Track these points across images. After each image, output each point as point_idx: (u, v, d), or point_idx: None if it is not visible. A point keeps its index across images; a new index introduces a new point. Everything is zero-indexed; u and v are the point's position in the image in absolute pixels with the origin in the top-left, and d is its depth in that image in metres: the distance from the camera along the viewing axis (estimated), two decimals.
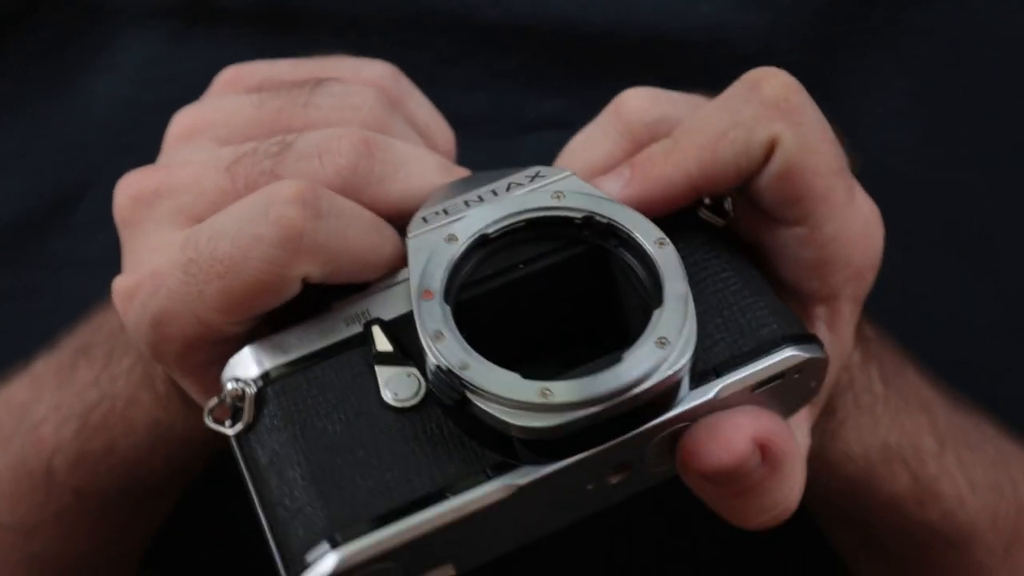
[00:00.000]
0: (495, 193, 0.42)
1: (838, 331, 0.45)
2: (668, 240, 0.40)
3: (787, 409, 0.42)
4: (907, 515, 0.53)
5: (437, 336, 0.39)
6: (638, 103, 0.44)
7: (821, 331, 0.44)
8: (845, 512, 0.54)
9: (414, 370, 0.40)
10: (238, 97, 0.46)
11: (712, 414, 0.40)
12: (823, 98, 0.59)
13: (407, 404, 0.40)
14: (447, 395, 0.39)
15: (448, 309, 0.39)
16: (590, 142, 0.45)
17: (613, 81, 0.57)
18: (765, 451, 0.40)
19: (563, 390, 0.38)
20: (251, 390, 0.40)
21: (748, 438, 0.39)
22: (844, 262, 0.43)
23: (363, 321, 0.41)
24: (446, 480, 0.38)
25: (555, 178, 0.42)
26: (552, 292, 0.42)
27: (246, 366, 0.41)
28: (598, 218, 0.41)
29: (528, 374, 0.38)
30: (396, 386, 0.40)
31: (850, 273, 0.44)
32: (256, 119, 0.44)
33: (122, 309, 0.43)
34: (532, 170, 0.43)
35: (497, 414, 0.38)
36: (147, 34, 0.59)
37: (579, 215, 0.41)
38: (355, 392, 0.40)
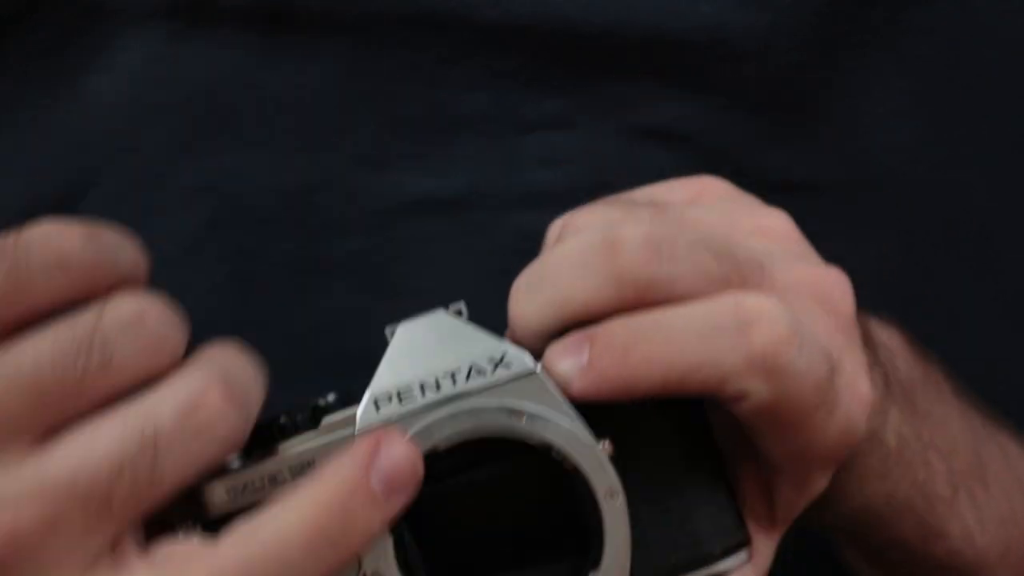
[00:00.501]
0: (454, 382, 0.40)
1: (805, 490, 0.45)
2: (620, 491, 0.40)
3: None
4: (912, 551, 0.52)
5: (374, 572, 0.39)
6: (635, 254, 0.42)
7: (786, 493, 0.45)
8: (850, 542, 0.54)
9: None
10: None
11: None
12: (823, 98, 0.59)
13: None
14: None
15: (391, 542, 0.39)
16: (577, 276, 0.42)
17: (613, 81, 0.57)
18: None
19: None
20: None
21: None
22: (815, 460, 0.44)
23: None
24: None
25: (518, 373, 0.41)
26: (503, 499, 0.42)
27: (199, 506, 0.40)
28: (555, 454, 0.41)
29: None
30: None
31: (822, 465, 0.44)
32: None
33: None
34: (497, 349, 0.41)
35: None
36: (147, 34, 0.59)
37: (535, 441, 0.41)
38: None
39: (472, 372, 0.41)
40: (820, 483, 0.46)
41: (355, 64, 0.57)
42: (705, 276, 0.42)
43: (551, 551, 0.41)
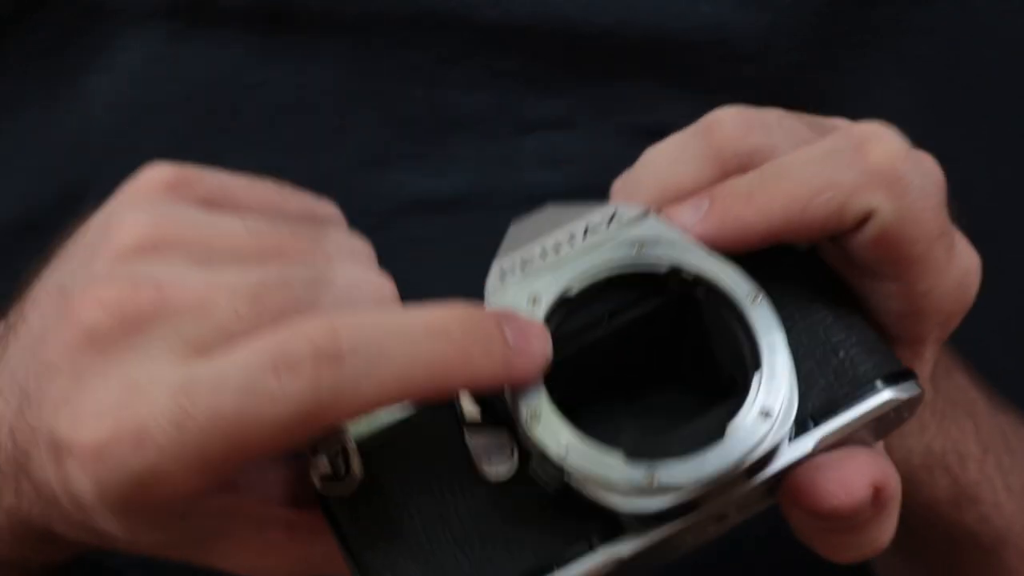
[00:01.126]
0: (572, 240, 0.40)
1: (919, 370, 0.43)
2: (762, 293, 0.40)
3: (878, 435, 0.42)
4: (943, 517, 0.52)
5: (534, 416, 0.38)
6: (733, 130, 0.42)
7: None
8: None
9: (506, 437, 0.39)
10: (215, 216, 0.40)
11: (827, 453, 0.40)
12: (823, 98, 0.59)
13: (503, 476, 0.39)
14: (548, 481, 0.38)
15: (540, 382, 0.38)
16: (677, 161, 0.42)
17: (613, 81, 0.57)
18: (878, 494, 0.40)
19: (670, 474, 0.37)
20: (356, 461, 0.38)
21: (868, 483, 0.39)
22: (934, 314, 0.42)
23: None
24: (550, 555, 0.38)
25: (633, 216, 0.41)
26: (639, 343, 0.41)
27: (338, 439, 0.38)
28: (684, 272, 0.40)
29: (632, 454, 0.37)
30: (490, 458, 0.39)
31: (938, 322, 0.43)
32: (253, 247, 0.39)
33: (83, 467, 0.36)
34: (608, 209, 0.41)
35: (604, 498, 0.37)
36: (147, 34, 0.59)
37: (663, 268, 0.40)
38: (449, 463, 0.39)
39: (588, 231, 0.40)
40: (929, 364, 0.44)
41: (355, 64, 0.57)
42: (803, 140, 0.42)
43: (687, 398, 0.41)
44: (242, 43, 0.58)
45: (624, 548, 0.38)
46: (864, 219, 0.40)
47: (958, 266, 0.42)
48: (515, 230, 0.41)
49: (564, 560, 0.38)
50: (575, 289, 0.40)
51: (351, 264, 0.40)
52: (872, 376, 0.40)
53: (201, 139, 0.58)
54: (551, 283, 0.39)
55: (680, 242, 0.40)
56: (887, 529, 0.41)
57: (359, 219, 0.58)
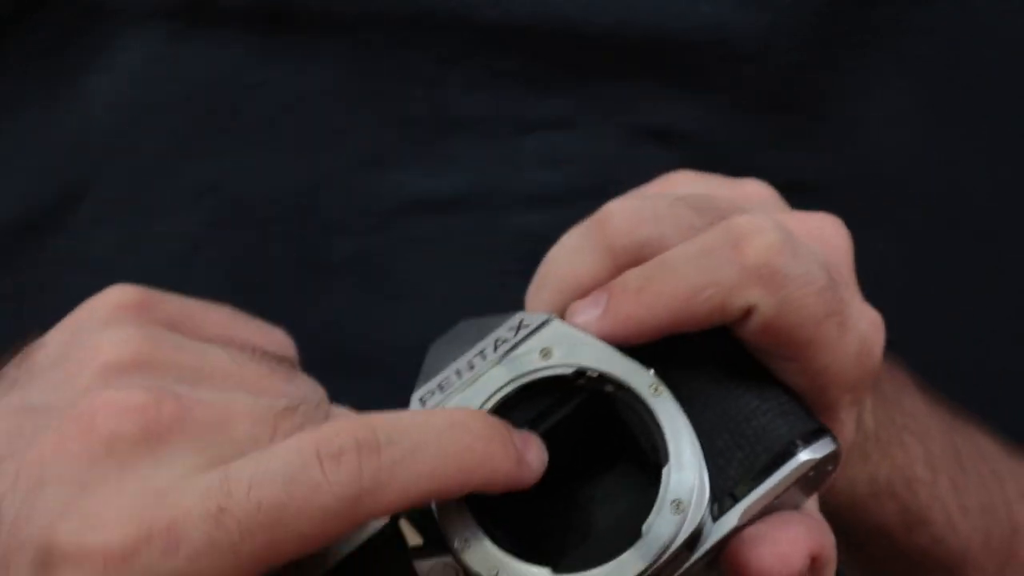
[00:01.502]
0: (483, 357, 0.41)
1: (838, 432, 0.44)
2: (661, 384, 0.41)
3: (808, 492, 0.43)
4: (896, 541, 0.52)
5: (465, 543, 0.39)
6: (621, 223, 0.43)
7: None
8: (835, 531, 0.54)
9: (450, 560, 0.40)
10: (191, 341, 0.41)
11: (763, 522, 0.40)
12: (823, 98, 0.59)
13: None
14: None
15: (465, 508, 0.39)
16: (574, 257, 0.44)
17: (613, 81, 0.57)
18: (814, 562, 0.40)
19: None
20: None
21: (805, 554, 0.40)
22: (838, 384, 0.43)
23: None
24: None
25: (537, 323, 0.42)
26: (564, 445, 0.41)
27: None
28: (589, 371, 0.41)
29: (557, 569, 0.39)
30: None
31: (846, 389, 0.43)
32: (238, 376, 0.40)
33: (111, 570, 0.35)
34: (514, 319, 0.42)
35: None
36: (147, 34, 0.59)
37: (569, 370, 0.41)
38: None
39: (498, 344, 0.42)
40: (848, 425, 0.45)
41: (355, 64, 0.57)
42: (690, 229, 0.43)
43: (617, 477, 0.42)
44: (242, 43, 0.58)
45: None
46: (746, 313, 0.41)
47: (853, 339, 0.43)
48: (433, 353, 0.43)
49: None
50: (490, 405, 0.40)
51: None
52: (786, 440, 0.41)
53: (201, 139, 0.58)
54: (466, 402, 0.40)
55: (581, 342, 0.41)
56: None
57: (359, 219, 0.58)
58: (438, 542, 0.40)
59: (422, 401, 0.41)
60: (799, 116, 0.59)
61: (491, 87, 0.57)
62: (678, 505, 0.39)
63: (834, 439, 0.42)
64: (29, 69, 0.60)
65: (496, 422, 0.39)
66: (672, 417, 0.40)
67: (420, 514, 0.40)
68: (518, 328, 0.42)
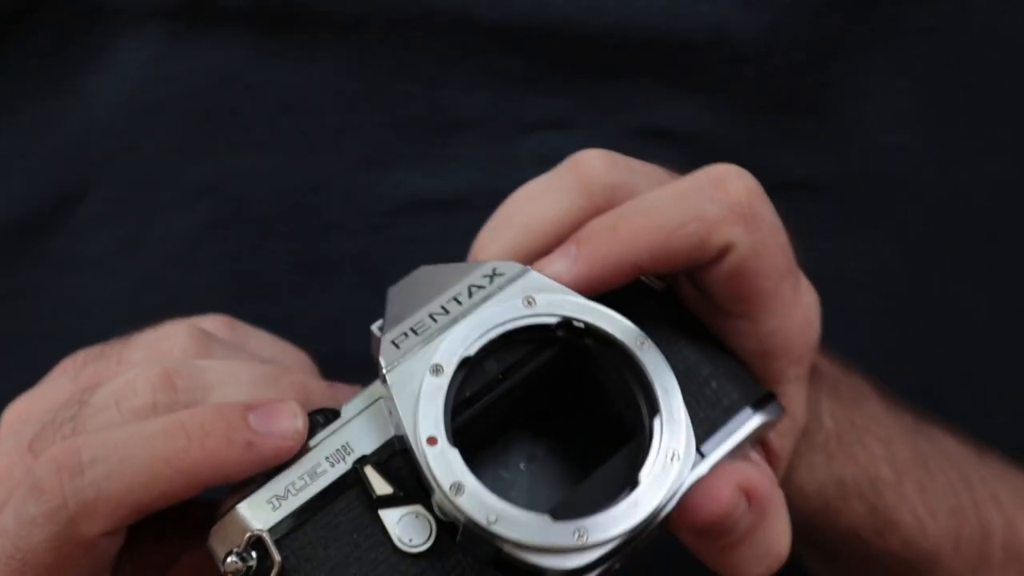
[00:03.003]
0: (459, 302, 0.41)
1: (787, 407, 0.45)
2: (648, 340, 0.41)
3: (744, 451, 0.44)
4: (868, 545, 0.53)
5: (457, 489, 0.38)
6: (598, 164, 0.43)
7: (791, 389, 0.45)
8: (809, 540, 0.54)
9: (420, 508, 0.39)
10: (59, 379, 0.45)
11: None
12: (823, 98, 0.59)
13: (421, 548, 0.39)
14: (480, 550, 0.39)
15: (457, 453, 0.39)
16: (544, 195, 0.44)
17: (614, 81, 0.57)
18: (751, 496, 0.41)
19: (598, 530, 0.38)
20: (276, 557, 0.39)
21: (733, 485, 0.40)
22: (784, 352, 0.44)
23: (349, 459, 0.40)
24: None
25: (515, 275, 0.42)
26: (536, 394, 0.42)
27: (244, 530, 0.39)
28: (575, 322, 0.41)
29: (557, 514, 0.38)
30: (406, 530, 0.39)
31: (791, 360, 0.45)
32: (71, 391, 0.43)
33: None
34: (486, 267, 0.42)
35: (533, 560, 0.38)
36: (147, 34, 0.59)
37: (554, 320, 0.41)
38: (365, 540, 0.39)
39: (472, 290, 0.41)
40: (796, 401, 0.46)
41: (355, 64, 0.57)
42: (660, 181, 0.44)
43: (588, 429, 0.42)
44: (242, 43, 0.58)
45: None
46: (723, 252, 0.42)
47: (802, 303, 0.44)
48: (394, 298, 0.42)
49: None
50: (474, 350, 0.40)
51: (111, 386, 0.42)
52: (742, 403, 0.43)
53: (201, 139, 0.58)
54: (450, 348, 0.40)
55: (562, 293, 0.41)
56: (779, 534, 0.42)
57: (359, 219, 0.58)
58: (407, 490, 0.39)
59: (395, 344, 0.40)
60: (799, 116, 0.59)
61: (491, 87, 0.57)
62: (674, 455, 0.39)
63: (780, 406, 0.44)
64: (29, 69, 0.60)
65: (221, 413, 0.39)
66: (661, 370, 0.41)
67: (383, 456, 0.40)
68: (492, 276, 0.42)
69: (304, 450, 0.40)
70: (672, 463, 0.39)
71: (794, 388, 0.46)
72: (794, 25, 0.58)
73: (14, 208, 0.60)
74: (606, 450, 0.40)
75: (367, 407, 0.41)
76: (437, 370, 0.40)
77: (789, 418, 0.46)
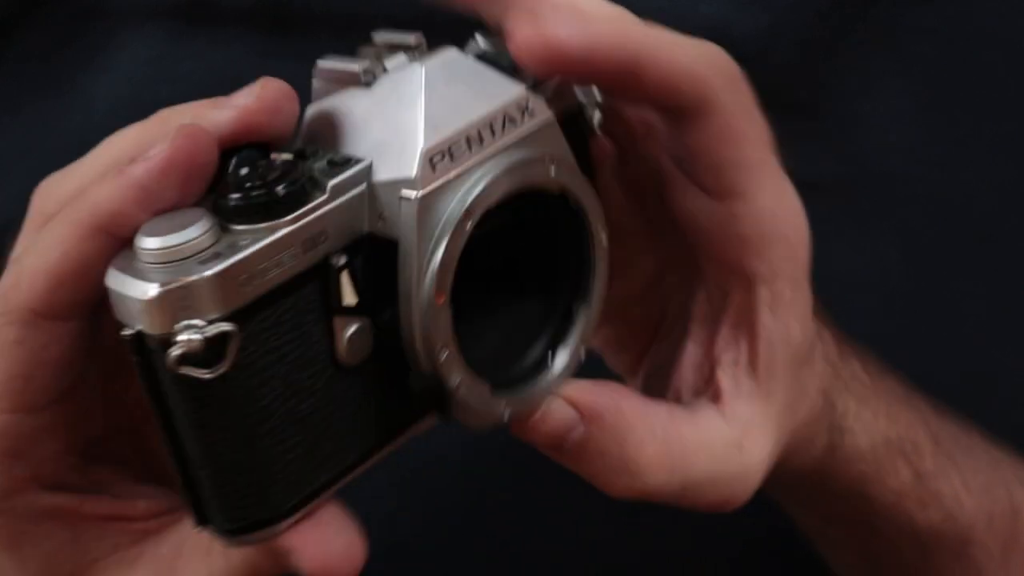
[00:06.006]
0: (492, 132, 0.39)
1: (782, 315, 0.44)
2: (605, 235, 0.41)
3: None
4: (912, 518, 0.53)
5: (442, 350, 0.38)
6: None
7: (765, 315, 0.44)
8: (849, 521, 0.54)
9: (368, 322, 0.39)
10: None
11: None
12: (823, 98, 0.59)
13: (358, 362, 0.39)
14: (430, 400, 0.40)
15: (450, 315, 0.38)
16: None
17: None
18: (581, 410, 0.41)
19: (516, 405, 0.41)
20: (232, 330, 0.36)
21: (563, 400, 0.41)
22: (780, 238, 0.43)
23: (322, 252, 0.38)
24: (392, 430, 0.41)
25: (543, 123, 0.40)
26: (523, 241, 0.42)
27: (211, 303, 0.36)
28: (571, 201, 0.41)
29: (495, 389, 0.40)
30: (353, 343, 0.39)
31: (787, 250, 0.43)
32: None
33: None
34: (520, 96, 0.40)
35: (464, 418, 0.40)
36: (147, 34, 0.59)
37: (556, 189, 0.40)
38: (311, 341, 0.38)
39: (506, 122, 0.40)
40: (791, 309, 0.44)
41: None
42: None
43: (547, 288, 0.43)
44: (242, 43, 0.58)
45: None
46: (707, 108, 0.41)
47: (790, 191, 0.43)
48: (431, 81, 0.40)
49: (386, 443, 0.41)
50: (493, 201, 0.39)
51: None
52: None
53: None
54: (480, 195, 0.38)
55: (572, 163, 0.41)
56: (635, 444, 0.42)
57: None
58: (365, 303, 0.38)
59: (432, 164, 0.38)
60: (799, 116, 0.59)
61: None
62: (579, 355, 0.42)
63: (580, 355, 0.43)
64: (29, 69, 0.60)
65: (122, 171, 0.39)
66: (603, 270, 0.41)
67: (354, 258, 0.38)
68: (525, 111, 0.40)
69: (288, 223, 0.37)
70: (576, 359, 0.42)
71: (789, 290, 0.44)
72: (794, 25, 0.58)
73: (14, 208, 0.60)
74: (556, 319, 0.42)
75: (348, 196, 0.38)
76: (467, 216, 0.38)
77: (783, 327, 0.44)
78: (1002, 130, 0.62)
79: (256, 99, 0.40)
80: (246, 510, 0.39)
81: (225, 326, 0.36)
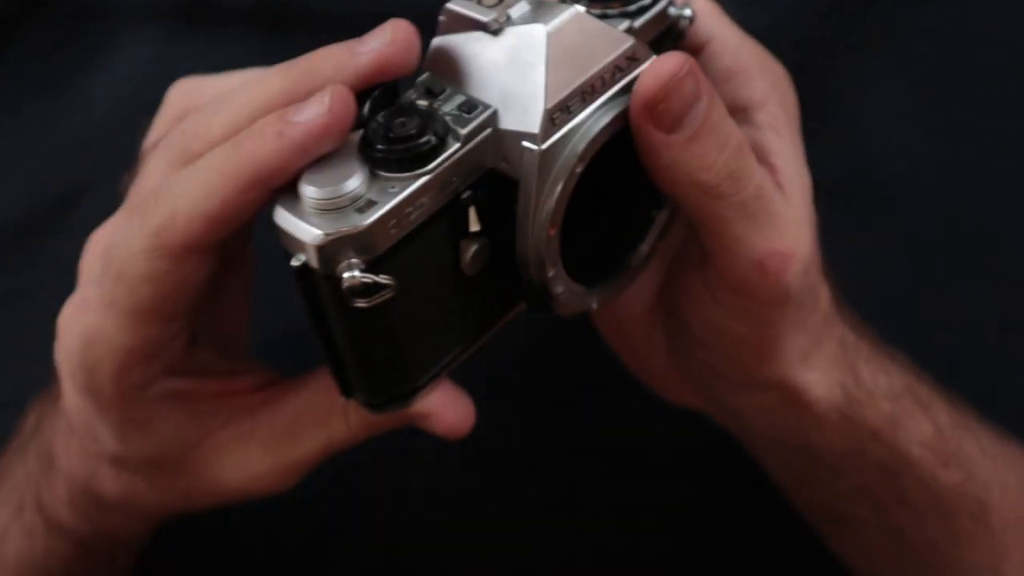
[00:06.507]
0: (604, 82, 0.44)
1: (782, 132, 0.48)
2: None
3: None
4: (935, 476, 0.53)
5: (550, 268, 0.44)
6: None
7: (768, 135, 0.48)
8: (878, 489, 0.54)
9: (487, 242, 0.44)
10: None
11: None
12: (823, 99, 0.59)
13: (476, 273, 0.45)
14: (537, 302, 0.46)
15: (559, 242, 0.44)
16: None
17: None
18: (694, 71, 0.43)
19: (604, 294, 0.47)
20: (386, 278, 0.42)
21: (678, 56, 0.43)
22: (760, 67, 0.49)
23: (453, 189, 0.43)
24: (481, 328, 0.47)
25: (643, 66, 0.44)
26: (616, 165, 0.45)
27: (368, 246, 0.42)
28: None
29: (588, 288, 0.46)
30: (475, 259, 0.44)
31: (771, 79, 0.49)
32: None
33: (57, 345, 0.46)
34: (628, 46, 0.44)
35: (563, 312, 0.46)
36: (147, 34, 0.59)
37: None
38: (442, 260, 0.44)
39: (616, 72, 0.44)
40: (789, 128, 0.50)
41: None
42: None
43: (631, 200, 0.48)
44: (242, 43, 0.58)
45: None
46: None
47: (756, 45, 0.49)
48: (552, 43, 0.43)
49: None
50: (599, 146, 0.44)
51: None
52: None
53: None
54: (591, 140, 0.43)
55: None
56: (730, 122, 0.44)
57: None
58: (488, 227, 0.44)
59: (553, 120, 0.43)
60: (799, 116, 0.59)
61: None
62: (656, 246, 0.48)
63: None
64: (29, 69, 0.60)
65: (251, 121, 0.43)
66: None
67: (480, 192, 0.44)
68: (630, 59, 0.44)
69: (430, 171, 0.42)
70: (652, 252, 0.48)
71: (783, 113, 0.49)
72: (794, 25, 0.58)
73: (14, 208, 0.60)
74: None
75: (477, 140, 0.43)
76: (579, 161, 0.43)
77: (784, 140, 0.49)
78: (1002, 130, 0.62)
79: (390, 43, 0.44)
80: (387, 388, 0.46)
81: (382, 278, 0.42)
